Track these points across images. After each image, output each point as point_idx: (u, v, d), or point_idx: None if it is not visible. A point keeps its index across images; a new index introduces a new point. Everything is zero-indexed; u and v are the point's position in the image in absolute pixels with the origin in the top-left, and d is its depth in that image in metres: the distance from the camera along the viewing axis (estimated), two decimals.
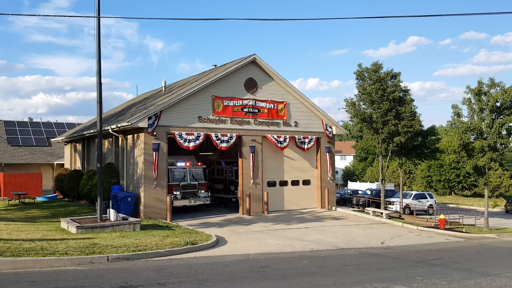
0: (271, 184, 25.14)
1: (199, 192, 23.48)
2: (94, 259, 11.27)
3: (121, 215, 17.53)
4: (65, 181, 29.33)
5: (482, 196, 47.33)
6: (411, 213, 29.84)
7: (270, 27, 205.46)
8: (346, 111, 28.77)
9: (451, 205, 42.62)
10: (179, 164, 23.21)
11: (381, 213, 25.41)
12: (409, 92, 27.32)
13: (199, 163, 24.34)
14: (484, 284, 10.19)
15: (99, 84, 16.47)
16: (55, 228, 16.37)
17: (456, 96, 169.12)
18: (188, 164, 23.48)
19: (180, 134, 21.60)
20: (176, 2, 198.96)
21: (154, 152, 20.84)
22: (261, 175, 24.18)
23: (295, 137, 25.36)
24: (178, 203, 22.48)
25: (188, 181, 23.20)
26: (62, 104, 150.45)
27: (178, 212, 22.52)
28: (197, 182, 23.48)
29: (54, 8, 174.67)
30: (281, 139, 24.71)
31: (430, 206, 33.39)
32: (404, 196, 33.00)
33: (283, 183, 25.74)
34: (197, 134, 22.04)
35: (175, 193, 22.44)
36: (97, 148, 16.84)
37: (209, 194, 24.20)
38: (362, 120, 27.30)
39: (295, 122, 25.66)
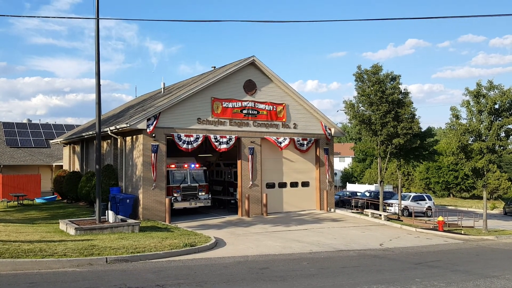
0: (270, 185, 25.14)
1: (200, 194, 23.29)
2: (92, 260, 11.25)
3: (119, 216, 17.52)
4: (64, 182, 29.29)
5: (480, 198, 47.26)
6: (410, 215, 29.83)
7: (270, 29, 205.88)
8: (345, 113, 28.78)
9: (449, 207, 42.61)
10: (179, 165, 23.03)
11: (380, 215, 25.43)
12: (408, 94, 27.34)
13: (198, 165, 24.26)
14: (483, 286, 10.20)
15: (98, 85, 16.47)
16: (54, 230, 16.35)
17: (454, 98, 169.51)
18: (187, 165, 23.32)
19: (179, 136, 21.59)
20: (176, 5, 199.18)
21: (152, 154, 20.83)
22: (260, 176, 24.18)
23: (294, 138, 25.36)
24: (178, 205, 22.29)
25: (189, 183, 22.98)
26: (61, 106, 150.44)
27: (177, 214, 22.50)
28: (197, 184, 23.27)
29: (55, 10, 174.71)
30: (280, 140, 24.72)
31: (429, 208, 33.38)
32: (403, 198, 32.99)
33: (282, 185, 25.74)
34: (196, 135, 22.03)
35: (175, 195, 22.25)
36: (96, 150, 16.83)
37: (210, 196, 23.98)
38: (361, 122, 27.30)
39: (294, 124, 25.67)
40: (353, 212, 27.46)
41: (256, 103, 24.17)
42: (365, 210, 28.02)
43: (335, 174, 58.56)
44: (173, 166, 22.82)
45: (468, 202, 51.25)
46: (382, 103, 26.09)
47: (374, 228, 21.81)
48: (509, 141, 24.58)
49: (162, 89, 30.29)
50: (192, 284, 9.48)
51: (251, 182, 23.70)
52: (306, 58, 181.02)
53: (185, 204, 22.62)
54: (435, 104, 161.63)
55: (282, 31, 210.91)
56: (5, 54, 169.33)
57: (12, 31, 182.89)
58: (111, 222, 16.24)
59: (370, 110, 26.99)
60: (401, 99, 26.86)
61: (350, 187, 50.01)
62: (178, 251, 13.07)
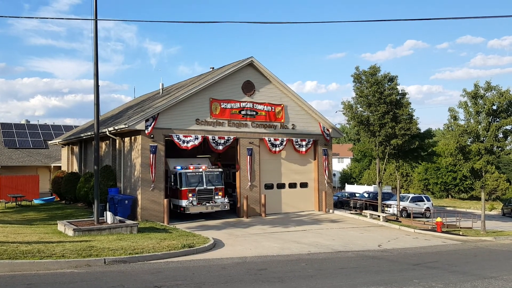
0: (269, 186, 25.14)
1: (216, 197, 22.23)
2: (91, 261, 11.24)
3: (118, 217, 17.51)
4: (62, 183, 29.26)
5: (479, 199, 47.39)
6: (408, 216, 29.85)
7: (269, 30, 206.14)
8: (344, 114, 28.82)
9: (448, 208, 42.63)
10: (194, 167, 22.27)
11: (378, 216, 25.44)
12: (406, 95, 27.39)
13: (215, 166, 23.60)
14: (480, 287, 10.22)
15: (97, 86, 16.46)
16: (52, 231, 16.34)
17: (453, 99, 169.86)
18: (203, 167, 22.48)
19: (177, 136, 21.59)
20: (175, 5, 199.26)
21: (151, 155, 20.83)
22: (258, 177, 24.18)
23: (292, 139, 25.37)
24: (194, 210, 21.37)
25: (205, 186, 22.01)
26: (60, 107, 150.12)
27: (176, 215, 22.41)
28: (213, 187, 22.32)
29: (54, 11, 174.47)
30: (278, 142, 24.71)
31: (427, 209, 33.40)
32: (401, 199, 33.03)
33: (281, 186, 25.74)
34: (195, 136, 22.04)
35: (190, 198, 21.41)
36: (94, 151, 16.82)
37: (227, 199, 22.70)
38: (359, 123, 27.33)
39: (293, 124, 25.68)
40: (351, 213, 27.46)
41: (254, 104, 24.17)
42: (363, 211, 28.03)
43: (334, 175, 58.57)
44: (189, 167, 22.02)
45: (466, 203, 51.33)
46: (380, 104, 26.13)
47: (372, 229, 21.82)
48: (507, 142, 24.65)
49: (161, 90, 30.30)
50: (190, 285, 9.48)
51: (249, 183, 23.70)
52: (305, 59, 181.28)
53: (201, 208, 21.65)
54: (434, 105, 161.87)
55: (281, 32, 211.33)
56: (4, 54, 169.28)
57: (11, 32, 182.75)
58: (110, 223, 16.23)
59: (368, 111, 27.03)
60: (399, 100, 26.91)
61: (349, 188, 49.99)
62: (176, 252, 13.06)
